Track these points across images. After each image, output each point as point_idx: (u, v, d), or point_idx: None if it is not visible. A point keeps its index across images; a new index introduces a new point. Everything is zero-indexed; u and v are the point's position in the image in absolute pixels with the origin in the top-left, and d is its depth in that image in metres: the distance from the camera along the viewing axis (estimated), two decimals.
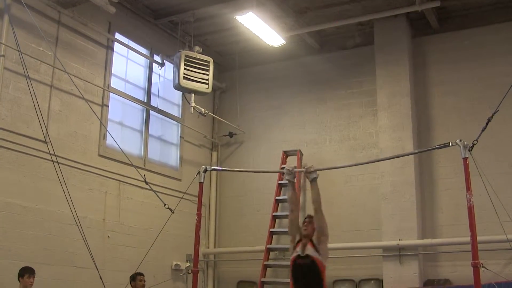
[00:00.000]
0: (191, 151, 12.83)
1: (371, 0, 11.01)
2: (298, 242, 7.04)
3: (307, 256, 6.81)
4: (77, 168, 9.84)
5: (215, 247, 12.95)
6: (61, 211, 9.16)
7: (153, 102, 11.89)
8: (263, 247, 11.84)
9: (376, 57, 11.75)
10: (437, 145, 7.17)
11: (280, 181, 12.26)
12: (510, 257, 9.74)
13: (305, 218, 7.16)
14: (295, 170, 7.61)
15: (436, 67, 11.63)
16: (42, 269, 8.57)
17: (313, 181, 7.24)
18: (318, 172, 7.35)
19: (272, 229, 12.02)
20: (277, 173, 12.35)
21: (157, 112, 11.95)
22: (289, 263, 11.22)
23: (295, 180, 7.70)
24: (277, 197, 12.20)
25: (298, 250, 6.94)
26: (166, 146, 12.42)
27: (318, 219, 6.93)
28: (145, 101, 11.69)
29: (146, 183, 8.57)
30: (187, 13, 11.43)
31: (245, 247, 12.40)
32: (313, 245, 6.87)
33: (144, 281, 9.38)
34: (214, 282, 12.76)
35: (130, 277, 9.33)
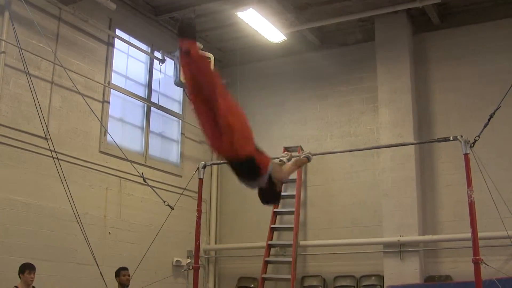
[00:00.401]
0: (192, 147, 12.83)
1: None
2: None
3: None
4: (77, 165, 9.84)
5: (216, 244, 12.95)
6: (61, 208, 9.16)
7: (154, 98, 11.89)
8: (264, 243, 11.85)
9: (377, 54, 11.75)
10: (438, 138, 7.18)
11: None
12: (511, 253, 9.74)
13: None
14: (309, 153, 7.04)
15: (437, 64, 11.62)
16: (42, 265, 8.58)
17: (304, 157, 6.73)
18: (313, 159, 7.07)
19: (273, 225, 12.03)
20: None
21: (157, 109, 11.95)
22: (290, 259, 11.38)
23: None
24: None
25: None
26: (167, 143, 12.41)
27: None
28: (146, 97, 11.69)
29: (144, 180, 8.59)
30: (187, 9, 11.41)
31: (246, 243, 12.40)
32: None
33: (129, 275, 9.29)
34: (215, 278, 12.77)
35: (115, 272, 9.27)
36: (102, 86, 10.55)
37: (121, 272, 9.26)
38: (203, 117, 5.21)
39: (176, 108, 12.62)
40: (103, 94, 10.56)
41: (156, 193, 8.60)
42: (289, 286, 11.30)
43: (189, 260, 11.83)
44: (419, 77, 11.61)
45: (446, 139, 6.79)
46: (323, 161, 11.82)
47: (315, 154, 7.29)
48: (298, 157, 6.70)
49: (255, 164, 5.15)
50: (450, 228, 10.67)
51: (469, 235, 6.44)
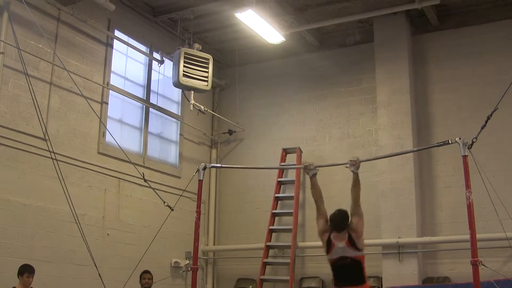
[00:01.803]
0: (191, 148, 12.83)
1: None
2: (330, 240, 6.79)
3: (347, 258, 6.64)
4: (76, 166, 9.84)
5: (214, 245, 12.95)
6: (60, 209, 9.16)
7: (153, 99, 11.89)
8: (262, 245, 11.85)
9: (376, 55, 11.75)
10: (437, 143, 7.18)
11: (279, 179, 12.28)
12: (509, 255, 9.74)
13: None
14: (311, 165, 7.40)
15: (435, 65, 11.62)
16: (41, 266, 8.56)
17: (313, 176, 7.19)
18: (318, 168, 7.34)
19: (271, 227, 12.02)
20: (277, 171, 12.36)
21: (156, 110, 11.94)
22: (288, 261, 11.37)
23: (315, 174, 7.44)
24: (276, 195, 12.20)
25: (338, 251, 6.72)
26: (166, 144, 12.41)
27: (354, 212, 6.96)
28: (145, 98, 11.68)
29: (145, 181, 8.57)
30: (186, 10, 11.43)
31: (245, 244, 12.41)
32: (351, 243, 6.65)
33: (149, 278, 9.48)
34: (213, 280, 12.77)
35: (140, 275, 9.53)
36: (101, 87, 10.54)
37: (141, 276, 9.42)
38: None
39: (175, 109, 12.62)
40: (102, 95, 10.56)
41: (156, 193, 8.58)
42: (287, 287, 11.30)
43: (187, 261, 11.82)
44: (418, 78, 11.62)
45: (444, 143, 6.78)
46: (322, 162, 11.82)
47: (318, 166, 7.50)
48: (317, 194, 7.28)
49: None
50: (448, 229, 10.68)
51: (467, 236, 6.42)
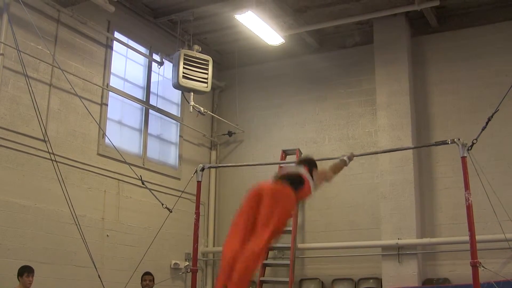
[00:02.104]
0: (190, 150, 12.83)
1: None
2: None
3: (297, 173, 6.03)
4: (76, 167, 9.84)
5: (214, 246, 12.93)
6: (60, 210, 9.16)
7: (152, 101, 11.88)
8: None
9: (376, 56, 11.76)
10: (435, 142, 7.19)
11: None
12: (509, 256, 9.73)
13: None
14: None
15: (435, 66, 11.63)
16: (41, 268, 8.57)
17: (342, 161, 6.92)
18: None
19: None
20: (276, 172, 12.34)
21: (156, 111, 11.94)
22: (288, 262, 11.36)
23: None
24: None
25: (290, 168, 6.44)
26: (165, 145, 12.41)
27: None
28: (144, 100, 11.68)
29: (143, 183, 8.58)
30: (186, 12, 11.43)
31: None
32: (309, 171, 6.14)
33: (150, 280, 9.51)
34: (213, 281, 12.76)
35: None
36: (101, 88, 10.55)
37: (142, 277, 9.44)
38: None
39: (175, 110, 12.62)
40: (102, 97, 10.57)
41: (154, 196, 8.59)
42: None
43: (187, 263, 11.83)
44: (417, 80, 11.62)
45: (444, 143, 6.79)
46: (321, 164, 11.81)
47: (318, 159, 7.18)
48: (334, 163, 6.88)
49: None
50: (448, 231, 10.68)
51: (467, 238, 6.43)
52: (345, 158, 6.95)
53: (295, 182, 5.75)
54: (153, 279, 9.65)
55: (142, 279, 9.54)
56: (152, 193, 8.64)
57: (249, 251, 5.04)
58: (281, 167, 10.24)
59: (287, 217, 5.54)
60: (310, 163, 6.29)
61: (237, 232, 5.32)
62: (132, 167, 9.70)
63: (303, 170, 6.06)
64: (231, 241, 5.25)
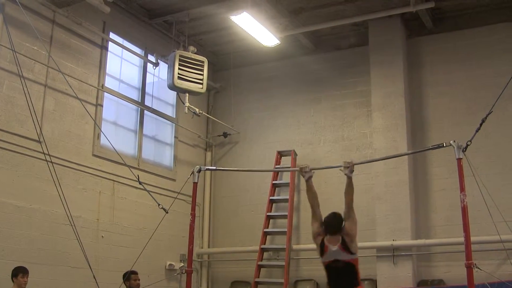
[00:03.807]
0: (186, 151, 12.83)
1: (366, 1, 11.02)
2: (323, 243, 6.88)
3: (340, 261, 6.72)
4: (71, 168, 9.83)
5: (209, 247, 12.94)
6: (55, 211, 9.14)
7: (147, 102, 11.87)
8: (257, 247, 11.84)
9: (371, 58, 11.77)
10: (432, 146, 7.19)
11: (274, 181, 12.27)
12: (504, 257, 9.74)
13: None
14: (306, 167, 7.42)
15: (430, 68, 11.65)
16: (35, 269, 8.54)
17: (309, 179, 7.23)
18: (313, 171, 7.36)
19: (266, 229, 12.02)
20: (271, 173, 12.36)
21: (151, 112, 11.93)
22: (283, 263, 11.36)
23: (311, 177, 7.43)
24: (271, 197, 12.20)
25: (331, 254, 6.80)
26: (160, 146, 12.41)
27: (347, 217, 7.00)
28: (139, 101, 11.67)
29: (140, 183, 8.55)
30: (181, 13, 11.44)
31: (239, 247, 12.41)
32: (344, 246, 6.73)
33: (139, 280, 9.35)
34: (208, 282, 12.75)
35: (123, 275, 9.20)
36: (96, 89, 10.53)
37: (131, 276, 9.21)
38: None
39: (170, 111, 12.61)
40: (97, 97, 10.55)
41: (151, 196, 8.56)
42: None
43: (182, 264, 11.82)
44: (412, 82, 11.64)
45: (439, 146, 6.80)
46: (316, 165, 11.83)
47: (314, 169, 7.49)
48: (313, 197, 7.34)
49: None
50: (443, 232, 10.70)
51: (462, 239, 6.43)
52: (347, 173, 7.18)
53: (350, 280, 6.71)
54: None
55: (132, 278, 9.23)
56: (149, 193, 8.61)
57: None
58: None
59: None
60: (339, 227, 6.93)
61: None
62: (127, 167, 9.68)
63: (344, 255, 6.72)
64: None
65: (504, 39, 10.96)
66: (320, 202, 7.39)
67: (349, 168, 7.16)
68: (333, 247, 6.76)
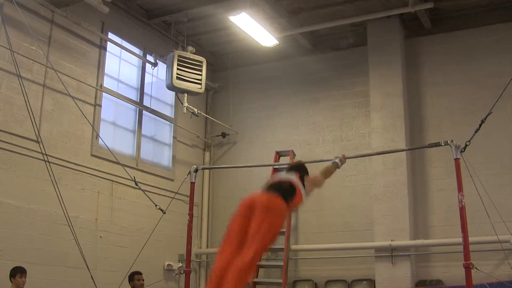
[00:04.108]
0: (184, 151, 12.83)
1: (364, 1, 11.02)
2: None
3: (288, 181, 6.02)
4: (69, 168, 9.82)
5: (207, 247, 12.93)
6: (53, 211, 9.13)
7: (146, 102, 11.86)
8: None
9: (369, 58, 11.77)
10: (429, 144, 7.21)
11: None
12: (502, 257, 9.75)
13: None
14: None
15: (429, 68, 11.65)
16: (34, 269, 8.54)
17: (334, 164, 6.93)
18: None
19: None
20: (270, 173, 12.34)
21: (150, 112, 11.93)
22: (281, 263, 11.36)
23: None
24: None
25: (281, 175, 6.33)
26: (159, 146, 12.40)
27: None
28: (138, 101, 11.67)
29: (136, 184, 8.58)
30: (180, 13, 11.44)
31: None
32: (300, 178, 6.12)
33: (143, 280, 9.40)
34: (206, 282, 12.74)
35: (129, 276, 9.36)
36: (94, 89, 10.53)
37: (135, 277, 9.33)
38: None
39: (168, 111, 12.61)
40: (95, 98, 10.55)
41: (148, 197, 8.59)
42: None
43: (180, 264, 11.82)
44: (411, 82, 11.64)
45: (437, 144, 6.82)
46: (315, 165, 11.82)
47: (306, 162, 7.08)
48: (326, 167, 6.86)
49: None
50: (441, 232, 10.70)
51: (460, 239, 6.45)
52: (337, 161, 6.95)
53: (286, 192, 5.76)
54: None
55: (135, 279, 9.41)
56: (146, 194, 8.63)
57: (238, 264, 5.06)
58: (273, 173, 10.32)
59: (276, 231, 5.54)
60: (301, 170, 6.28)
61: (230, 242, 5.34)
62: (125, 168, 9.69)
63: (294, 178, 6.03)
64: (223, 251, 5.32)
65: (503, 40, 10.97)
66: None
67: (339, 158, 6.97)
68: (288, 174, 6.21)
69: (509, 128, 10.53)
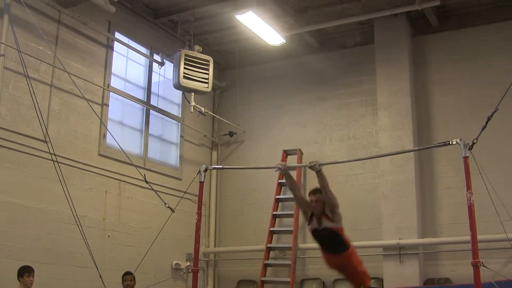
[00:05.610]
0: (191, 150, 12.83)
1: None
2: (311, 216, 7.48)
3: (324, 228, 7.37)
4: (77, 168, 9.85)
5: (215, 246, 12.95)
6: (61, 211, 9.16)
7: (153, 101, 11.88)
8: (263, 246, 11.84)
9: (376, 56, 11.75)
10: (438, 143, 7.18)
11: (280, 180, 12.23)
12: (510, 256, 9.74)
13: (310, 195, 7.48)
14: (287, 167, 8.15)
15: (436, 66, 11.62)
16: (42, 268, 8.57)
17: (319, 172, 7.34)
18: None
19: (272, 228, 12.01)
20: (278, 172, 12.33)
21: (157, 112, 11.95)
22: (289, 262, 11.36)
23: (288, 171, 8.08)
24: (277, 196, 12.20)
25: (315, 223, 7.42)
26: (166, 146, 12.41)
27: (326, 197, 7.30)
28: (145, 100, 11.68)
29: (147, 182, 8.56)
30: (187, 12, 11.43)
31: (245, 246, 12.40)
32: (327, 217, 7.35)
33: (130, 281, 9.29)
34: (214, 281, 12.76)
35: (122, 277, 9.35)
36: (102, 89, 10.55)
37: (123, 278, 9.27)
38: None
39: (175, 111, 12.62)
40: (102, 97, 10.57)
41: (158, 195, 8.58)
42: None
43: (188, 263, 11.84)
44: (418, 80, 11.62)
45: (445, 144, 6.78)
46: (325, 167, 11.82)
47: (321, 164, 7.45)
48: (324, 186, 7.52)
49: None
50: (449, 230, 10.67)
51: (468, 237, 6.42)
52: (317, 167, 7.35)
53: (335, 242, 7.51)
54: (134, 278, 9.45)
55: (123, 280, 9.33)
56: (156, 192, 8.63)
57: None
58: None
59: (359, 262, 7.72)
60: (319, 193, 7.40)
61: None
62: (133, 167, 9.70)
63: (324, 220, 7.40)
64: None
65: (510, 37, 10.93)
66: None
67: (314, 165, 7.33)
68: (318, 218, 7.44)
69: None
